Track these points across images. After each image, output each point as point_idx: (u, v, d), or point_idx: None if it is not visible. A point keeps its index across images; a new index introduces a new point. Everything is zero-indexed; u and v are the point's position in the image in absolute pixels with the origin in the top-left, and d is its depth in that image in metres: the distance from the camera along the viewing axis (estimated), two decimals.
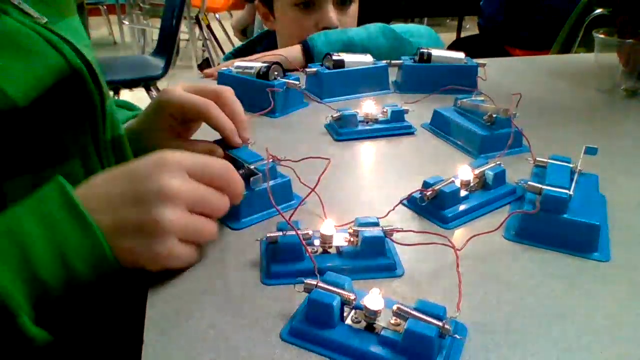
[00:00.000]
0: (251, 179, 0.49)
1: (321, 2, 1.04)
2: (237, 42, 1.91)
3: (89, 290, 0.39)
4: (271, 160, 0.52)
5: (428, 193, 0.50)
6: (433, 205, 0.51)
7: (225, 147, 0.57)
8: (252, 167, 0.51)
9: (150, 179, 0.41)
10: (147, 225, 0.40)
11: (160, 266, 0.42)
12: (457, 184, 0.52)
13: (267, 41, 1.21)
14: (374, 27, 1.02)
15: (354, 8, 1.09)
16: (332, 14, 1.04)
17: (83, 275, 0.38)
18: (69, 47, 0.46)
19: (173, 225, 0.40)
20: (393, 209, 0.50)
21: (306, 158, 0.55)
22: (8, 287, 0.35)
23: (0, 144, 0.42)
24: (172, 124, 0.58)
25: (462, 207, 0.51)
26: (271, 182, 0.51)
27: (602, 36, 0.92)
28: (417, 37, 1.04)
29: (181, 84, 0.59)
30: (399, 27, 1.06)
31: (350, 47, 0.97)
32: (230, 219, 0.50)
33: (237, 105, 0.58)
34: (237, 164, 0.52)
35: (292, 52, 0.97)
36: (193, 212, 0.42)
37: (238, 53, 1.19)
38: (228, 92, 0.59)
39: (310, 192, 0.49)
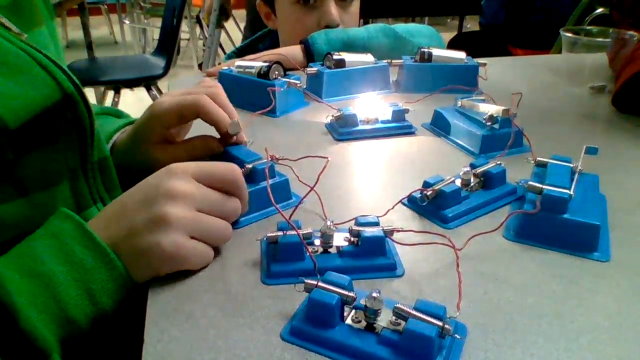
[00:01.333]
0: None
1: (322, 1, 1.04)
2: (238, 42, 1.92)
3: (106, 323, 0.41)
4: (270, 159, 0.52)
5: (428, 193, 0.50)
6: (433, 205, 0.51)
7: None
8: (250, 166, 0.51)
9: (159, 185, 0.43)
10: (154, 221, 0.41)
11: (173, 263, 0.42)
12: (458, 183, 0.52)
13: (270, 40, 1.21)
14: (374, 27, 1.02)
15: (355, 6, 1.09)
16: (333, 10, 1.03)
17: (109, 309, 0.40)
18: (60, 71, 0.45)
19: (179, 220, 0.41)
20: (392, 208, 0.50)
21: (304, 157, 0.55)
22: (43, 331, 0.36)
23: None
24: (165, 133, 0.59)
25: (462, 207, 0.51)
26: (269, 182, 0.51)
27: (569, 35, 0.93)
28: (418, 37, 1.04)
29: (167, 93, 0.60)
30: (400, 27, 1.06)
31: (351, 46, 0.97)
32: None
33: (227, 101, 0.60)
34: (235, 163, 0.52)
35: (292, 51, 0.97)
36: (203, 212, 0.44)
37: (240, 52, 1.19)
38: (216, 88, 0.60)
39: (310, 191, 0.49)
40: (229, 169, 0.46)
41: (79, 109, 0.47)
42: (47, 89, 0.44)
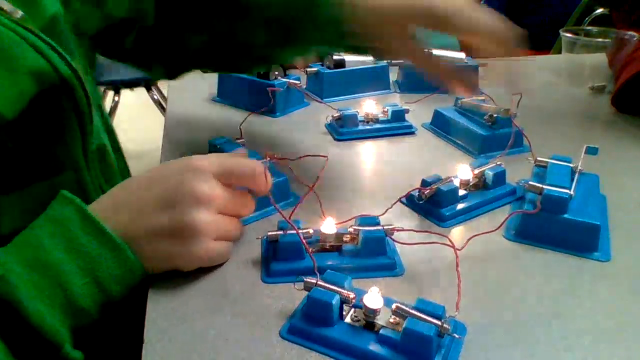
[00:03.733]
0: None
1: None
2: None
3: (119, 305, 0.40)
4: (268, 159, 0.52)
5: (426, 191, 0.50)
6: (431, 204, 0.51)
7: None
8: None
9: (181, 184, 0.41)
10: (182, 229, 0.40)
11: (198, 265, 0.43)
12: (456, 183, 0.52)
13: None
14: None
15: None
16: None
17: (118, 295, 0.39)
18: (56, 55, 0.43)
19: (207, 227, 0.41)
20: (391, 207, 0.50)
21: (303, 156, 0.55)
22: (52, 323, 0.35)
23: None
24: None
25: (459, 206, 0.51)
26: None
27: (569, 35, 0.93)
28: (427, 35, 1.04)
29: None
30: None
31: None
32: None
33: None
34: None
35: None
36: (222, 213, 0.43)
37: None
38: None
39: (309, 190, 0.49)
40: (248, 167, 0.45)
41: (76, 94, 0.44)
42: (42, 74, 0.42)
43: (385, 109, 0.73)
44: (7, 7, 0.42)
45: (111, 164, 0.53)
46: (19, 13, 0.43)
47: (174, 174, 0.43)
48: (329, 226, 0.44)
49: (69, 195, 0.40)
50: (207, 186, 0.42)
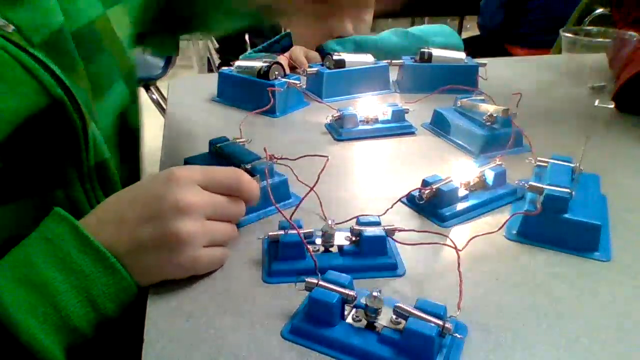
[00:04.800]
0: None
1: (337, 11, 1.05)
2: None
3: (110, 327, 0.40)
4: (269, 159, 0.52)
5: (426, 191, 0.50)
6: (431, 204, 0.51)
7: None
8: (248, 166, 0.51)
9: (164, 196, 0.41)
10: (166, 239, 0.40)
11: (189, 274, 0.42)
12: (457, 183, 0.52)
13: (286, 42, 1.21)
14: (386, 31, 1.04)
15: (369, 15, 1.10)
16: (348, 23, 1.05)
17: (113, 314, 0.39)
18: (48, 75, 0.41)
19: (192, 236, 0.40)
20: (391, 207, 0.50)
21: (303, 156, 0.55)
22: (45, 342, 0.35)
23: None
24: None
25: (460, 207, 0.51)
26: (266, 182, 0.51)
27: (569, 35, 0.93)
28: (433, 36, 1.05)
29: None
30: (414, 29, 1.07)
31: (362, 45, 0.99)
32: None
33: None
34: (234, 164, 0.52)
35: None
36: (210, 219, 0.43)
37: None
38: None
39: (310, 190, 0.49)
40: (232, 174, 0.45)
41: (68, 114, 0.43)
42: (32, 95, 0.41)
43: (385, 109, 0.73)
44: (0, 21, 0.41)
45: (112, 179, 0.51)
46: (11, 28, 0.41)
47: (156, 185, 0.42)
48: (329, 226, 0.44)
49: (62, 213, 0.40)
50: (190, 194, 0.41)
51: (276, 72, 0.79)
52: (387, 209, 0.50)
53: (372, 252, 0.43)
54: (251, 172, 0.51)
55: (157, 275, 0.41)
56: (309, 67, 0.87)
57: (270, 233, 0.43)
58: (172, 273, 0.42)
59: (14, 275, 0.36)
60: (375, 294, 0.35)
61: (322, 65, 0.87)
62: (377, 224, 0.44)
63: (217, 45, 2.90)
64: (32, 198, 0.43)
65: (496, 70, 1.00)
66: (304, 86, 0.85)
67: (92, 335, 0.38)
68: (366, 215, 0.46)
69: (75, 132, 0.44)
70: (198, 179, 0.43)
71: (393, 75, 0.93)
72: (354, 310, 0.38)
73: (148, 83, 2.43)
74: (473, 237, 0.46)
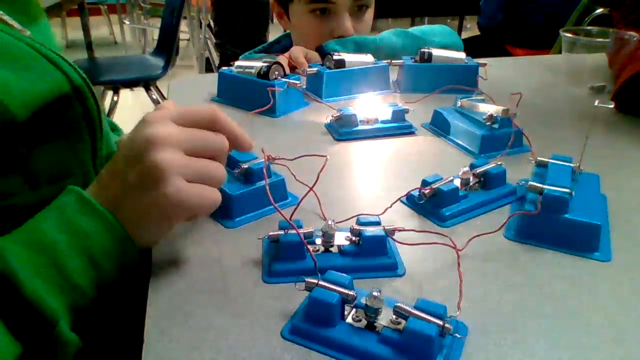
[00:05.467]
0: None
1: (337, 10, 1.05)
2: None
3: (111, 290, 0.40)
4: (266, 159, 0.52)
5: (426, 191, 0.50)
6: (431, 204, 0.51)
7: None
8: (245, 166, 0.51)
9: (139, 136, 0.40)
10: (148, 173, 0.39)
11: (179, 211, 0.41)
12: (457, 183, 0.52)
13: (286, 42, 1.21)
14: (386, 31, 1.04)
15: (369, 14, 1.10)
16: (347, 22, 1.05)
17: (111, 274, 0.40)
18: (67, 65, 0.46)
19: (171, 164, 0.39)
20: (390, 207, 0.50)
21: (302, 156, 0.55)
22: (48, 299, 0.36)
23: (2, 161, 0.42)
24: None
25: (460, 207, 0.51)
26: (264, 182, 0.51)
27: (569, 35, 0.93)
28: (433, 36, 1.05)
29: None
30: (414, 29, 1.07)
31: (362, 45, 0.99)
32: (224, 218, 0.50)
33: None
34: (232, 164, 0.52)
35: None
36: (193, 155, 0.41)
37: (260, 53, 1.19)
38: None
39: (309, 190, 0.49)
40: (206, 109, 0.44)
41: (88, 102, 0.47)
42: (56, 82, 0.44)
43: (385, 109, 0.73)
44: (17, 26, 0.45)
45: None
46: (27, 32, 0.45)
47: (135, 134, 0.42)
48: (329, 226, 0.44)
49: (72, 187, 0.41)
50: (162, 128, 0.40)
51: (276, 72, 0.79)
52: (387, 209, 0.50)
53: (372, 252, 0.43)
54: (249, 172, 0.51)
55: (153, 221, 0.41)
56: (309, 67, 0.87)
57: (270, 233, 0.43)
58: (164, 213, 0.40)
59: (19, 238, 0.38)
60: (375, 294, 0.35)
61: (322, 65, 0.87)
62: (377, 223, 0.44)
63: (215, 40, 2.90)
64: (51, 185, 0.45)
65: (496, 70, 1.00)
66: (304, 86, 0.85)
67: (93, 295, 0.39)
68: (366, 215, 0.46)
69: (92, 120, 0.48)
70: (172, 116, 0.42)
71: (393, 75, 0.93)
72: (354, 310, 0.38)
73: (148, 83, 2.43)
74: (473, 237, 0.46)
